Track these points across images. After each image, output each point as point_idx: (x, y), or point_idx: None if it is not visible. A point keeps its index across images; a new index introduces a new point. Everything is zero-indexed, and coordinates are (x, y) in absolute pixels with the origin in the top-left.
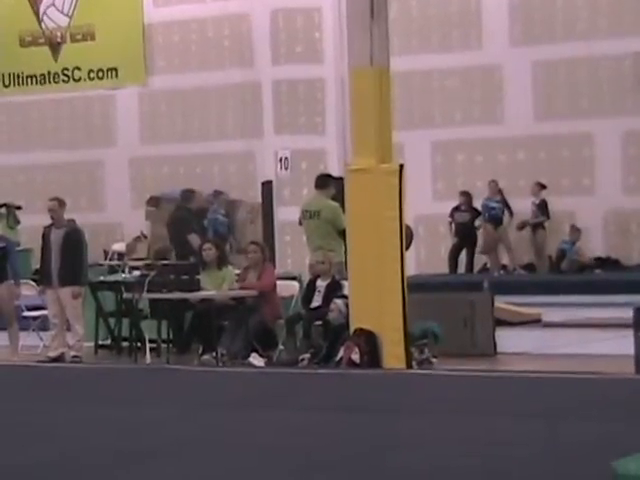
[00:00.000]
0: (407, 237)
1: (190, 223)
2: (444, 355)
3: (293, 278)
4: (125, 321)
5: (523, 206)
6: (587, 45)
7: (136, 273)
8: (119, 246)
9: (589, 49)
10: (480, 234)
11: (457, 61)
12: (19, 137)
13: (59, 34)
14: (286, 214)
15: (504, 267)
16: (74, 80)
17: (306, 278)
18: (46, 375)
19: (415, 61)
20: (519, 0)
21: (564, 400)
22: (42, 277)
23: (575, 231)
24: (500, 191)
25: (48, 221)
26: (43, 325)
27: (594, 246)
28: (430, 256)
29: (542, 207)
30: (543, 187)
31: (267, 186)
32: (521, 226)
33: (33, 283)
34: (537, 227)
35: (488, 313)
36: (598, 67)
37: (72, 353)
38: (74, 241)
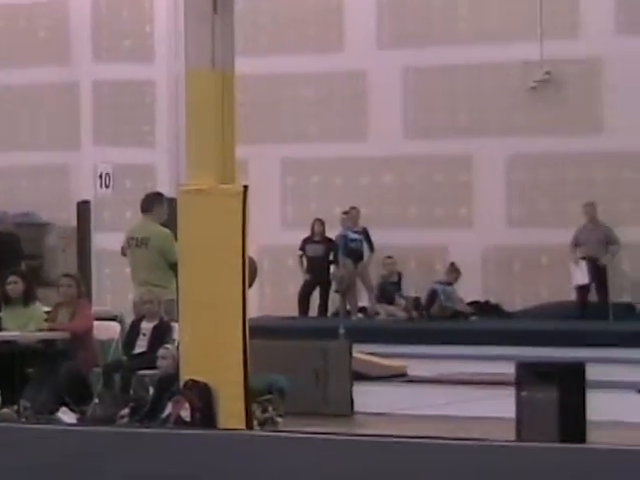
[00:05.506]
0: (250, 272)
1: None
2: (292, 414)
3: (113, 318)
4: None
5: (387, 238)
6: (469, 50)
7: None
8: None
9: (471, 55)
10: (336, 270)
11: (314, 65)
12: None
13: None
14: (106, 241)
15: (363, 310)
16: None
17: (129, 318)
18: None
19: (264, 63)
20: None
21: (433, 470)
22: None
23: (454, 271)
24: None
25: None
26: None
27: (470, 288)
28: (277, 295)
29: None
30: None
31: (84, 207)
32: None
33: None
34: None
35: (344, 365)
36: (482, 77)
37: None
38: None
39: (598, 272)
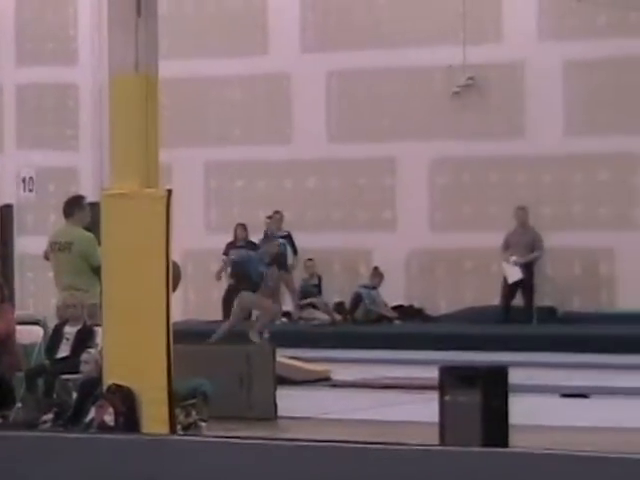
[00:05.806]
0: (174, 276)
1: None
2: (216, 418)
3: (36, 322)
4: None
5: (311, 242)
6: (393, 54)
7: None
8: None
9: (395, 59)
10: None
11: (237, 68)
12: None
13: None
14: (29, 245)
15: (287, 314)
16: None
17: (52, 322)
18: None
19: (187, 67)
20: None
21: (356, 474)
22: None
23: (378, 275)
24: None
25: None
26: None
27: (394, 292)
28: (201, 299)
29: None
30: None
31: (6, 210)
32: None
33: None
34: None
35: (268, 369)
36: (405, 81)
37: None
38: None
39: (525, 275)
